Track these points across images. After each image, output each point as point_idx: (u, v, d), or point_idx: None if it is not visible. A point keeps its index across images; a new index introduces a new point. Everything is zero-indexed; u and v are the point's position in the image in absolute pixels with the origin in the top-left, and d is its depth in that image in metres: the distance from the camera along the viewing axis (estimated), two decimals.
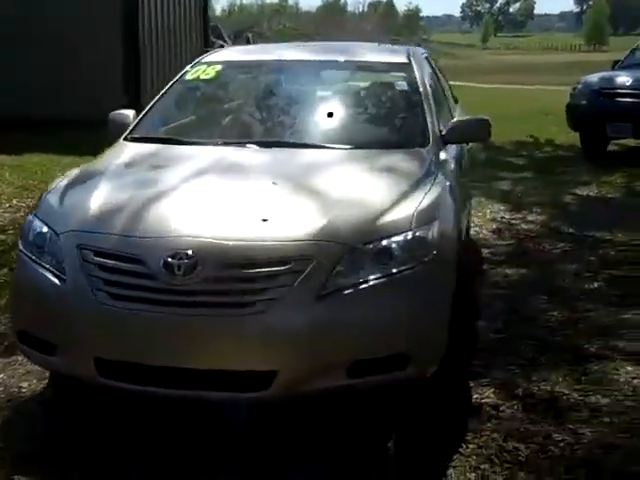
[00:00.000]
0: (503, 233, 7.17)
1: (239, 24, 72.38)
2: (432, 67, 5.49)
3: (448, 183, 4.03)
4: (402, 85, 4.82)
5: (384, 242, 3.39)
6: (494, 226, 7.38)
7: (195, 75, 4.94)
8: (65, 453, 3.43)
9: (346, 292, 3.27)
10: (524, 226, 7.45)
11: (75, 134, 10.88)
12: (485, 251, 6.61)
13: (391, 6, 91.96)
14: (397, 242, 3.41)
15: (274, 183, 3.72)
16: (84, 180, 3.95)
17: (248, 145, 4.25)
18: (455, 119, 4.58)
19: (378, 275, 3.33)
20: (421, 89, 4.65)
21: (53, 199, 3.81)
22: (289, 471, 3.25)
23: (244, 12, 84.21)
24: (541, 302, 5.29)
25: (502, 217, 7.75)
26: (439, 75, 5.58)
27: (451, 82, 6.60)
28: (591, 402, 3.84)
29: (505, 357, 4.38)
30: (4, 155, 10.46)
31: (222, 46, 25.88)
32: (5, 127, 12.15)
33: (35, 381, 4.07)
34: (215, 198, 3.63)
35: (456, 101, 6.44)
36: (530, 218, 7.74)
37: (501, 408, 3.79)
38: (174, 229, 3.36)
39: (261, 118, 4.73)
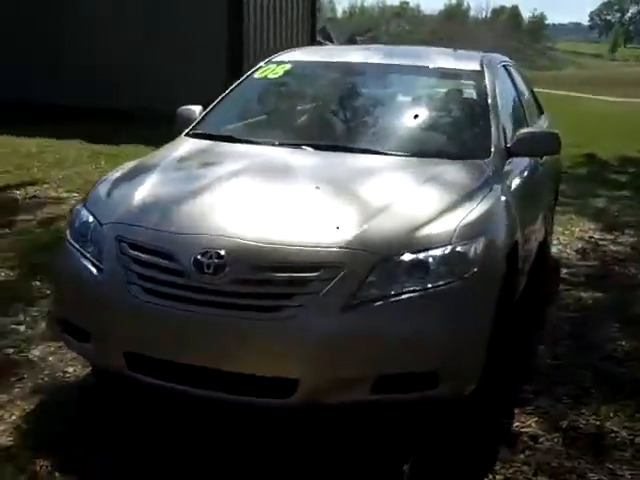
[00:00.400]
0: (588, 253, 6.86)
1: (357, 26, 72.72)
2: (510, 76, 5.29)
3: (504, 198, 3.87)
4: (470, 93, 4.65)
5: (421, 255, 3.26)
6: (580, 245, 7.07)
7: (264, 74, 4.91)
8: (91, 438, 3.46)
9: (376, 304, 3.16)
10: (612, 247, 7.09)
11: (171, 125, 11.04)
12: (564, 271, 6.34)
13: (516, 13, 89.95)
14: (435, 256, 3.27)
15: (317, 187, 3.64)
16: (134, 173, 3.96)
17: (304, 147, 4.17)
18: (523, 131, 4.37)
19: (411, 288, 3.21)
20: (489, 99, 4.48)
21: (102, 190, 3.84)
22: None
23: (365, 14, 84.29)
24: (612, 330, 5.01)
25: (590, 237, 7.41)
26: (519, 84, 5.36)
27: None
28: (639, 442, 3.60)
29: (559, 385, 4.16)
30: (102, 144, 10.79)
31: None
32: (105, 118, 12.54)
33: (80, 367, 4.13)
34: (254, 199, 3.57)
35: (541, 112, 6.21)
36: (621, 240, 7.37)
37: (540, 439, 3.60)
38: (207, 227, 3.33)
39: (321, 120, 4.65)
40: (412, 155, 4.10)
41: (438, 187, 3.74)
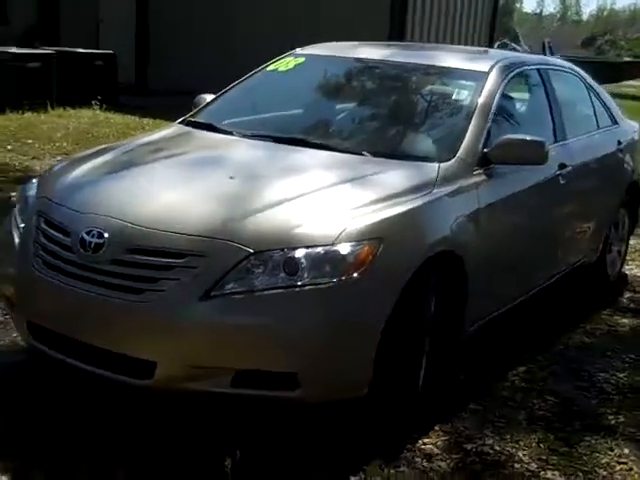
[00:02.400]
0: None
1: (595, 29, 69.70)
2: (545, 82, 4.94)
3: (444, 205, 3.70)
4: (463, 94, 4.42)
5: (294, 253, 3.18)
6: None
7: (276, 66, 4.94)
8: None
9: (236, 297, 3.13)
10: None
11: None
12: (627, 295, 5.87)
13: None
14: (308, 255, 3.17)
15: (231, 178, 3.64)
16: (94, 154, 4.14)
17: (266, 140, 4.17)
18: (504, 137, 4.10)
19: (277, 285, 3.14)
20: (480, 101, 4.24)
21: (56, 167, 4.06)
22: None
23: (612, 17, 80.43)
24: (623, 362, 4.61)
25: None
26: (561, 92, 4.99)
27: None
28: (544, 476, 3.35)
29: (506, 408, 3.91)
30: None
31: (514, 49, 25.22)
32: None
33: None
34: (161, 184, 3.64)
35: (615, 122, 5.77)
36: None
37: (434, 458, 3.41)
38: (99, 207, 3.43)
39: (302, 114, 4.62)
40: (372, 154, 3.96)
41: (357, 187, 3.62)
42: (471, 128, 4.09)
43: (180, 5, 15.35)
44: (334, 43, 5.21)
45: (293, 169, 3.81)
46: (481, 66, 4.54)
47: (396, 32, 13.61)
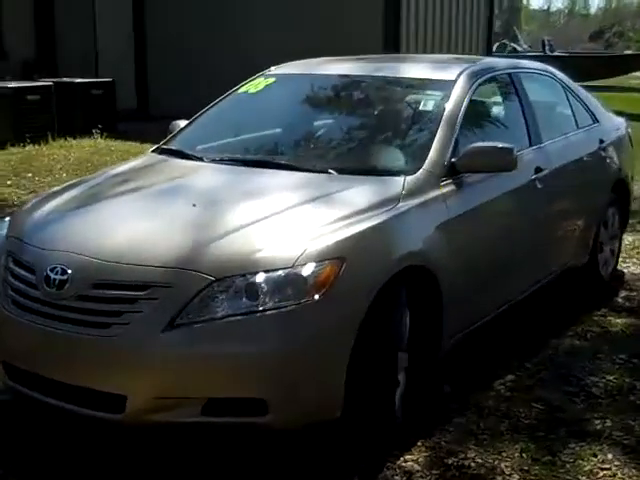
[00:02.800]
0: None
1: (603, 22, 69.11)
2: (516, 87, 4.91)
3: (411, 219, 3.69)
4: (430, 105, 4.40)
5: (255, 277, 3.17)
6: None
7: (247, 88, 4.96)
8: None
9: (199, 325, 3.13)
10: None
11: None
12: (623, 294, 5.80)
13: None
14: (269, 278, 3.17)
15: (194, 205, 3.66)
16: (67, 188, 4.17)
17: (234, 164, 4.17)
18: (471, 145, 4.08)
19: (239, 311, 3.14)
20: (447, 112, 4.22)
21: (31, 202, 4.09)
22: None
23: (620, 9, 79.85)
24: (614, 363, 4.56)
25: None
26: (522, 95, 4.94)
27: None
28: None
29: (491, 418, 3.88)
30: None
31: (514, 49, 25.11)
32: None
33: None
34: (125, 217, 3.66)
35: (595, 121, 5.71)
36: None
37: (414, 476, 3.38)
38: (62, 243, 3.45)
39: (270, 135, 4.62)
40: (338, 172, 3.95)
41: (318, 206, 3.61)
42: (437, 139, 4.07)
43: (177, 32, 15.42)
44: (305, 60, 5.22)
45: (256, 192, 3.81)
46: (448, 75, 4.52)
47: (391, 43, 13.59)
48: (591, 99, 5.91)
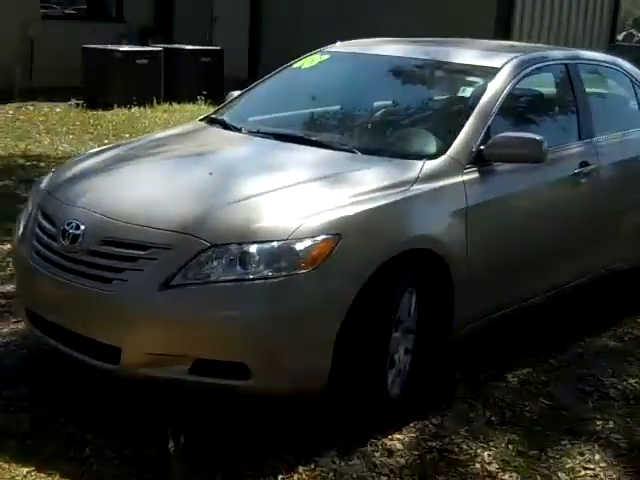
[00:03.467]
0: None
1: None
2: (571, 78, 4.80)
3: (424, 202, 3.72)
4: (467, 91, 4.37)
5: (249, 247, 3.29)
6: None
7: (300, 63, 5.04)
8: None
9: (193, 287, 3.26)
10: None
11: None
12: None
13: None
14: (262, 249, 3.28)
15: (210, 174, 3.79)
16: (106, 149, 4.39)
17: (268, 137, 4.27)
18: (499, 135, 4.04)
19: (231, 277, 3.26)
20: (483, 98, 4.19)
21: (69, 161, 4.33)
22: None
23: None
24: (626, 366, 4.46)
25: None
26: (577, 88, 4.82)
27: None
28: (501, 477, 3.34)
29: (487, 409, 3.88)
30: None
31: None
32: None
33: None
34: (144, 181, 3.83)
35: None
36: None
37: (395, 454, 3.44)
38: (81, 200, 3.65)
39: (311, 111, 4.68)
40: (361, 152, 4.00)
41: (329, 184, 3.67)
42: (467, 126, 4.05)
43: (293, 2, 15.61)
44: (364, 40, 5.25)
45: (275, 166, 3.91)
46: (494, 62, 4.47)
47: (502, 30, 13.33)
48: None
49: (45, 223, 3.74)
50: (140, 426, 3.50)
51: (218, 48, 13.89)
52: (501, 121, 4.23)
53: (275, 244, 3.29)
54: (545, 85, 4.90)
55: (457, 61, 4.63)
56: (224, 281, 3.27)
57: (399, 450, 3.48)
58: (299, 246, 3.30)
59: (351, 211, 3.46)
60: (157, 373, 3.35)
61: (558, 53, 5.12)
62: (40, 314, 3.70)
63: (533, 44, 5.35)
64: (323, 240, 3.33)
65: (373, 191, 3.62)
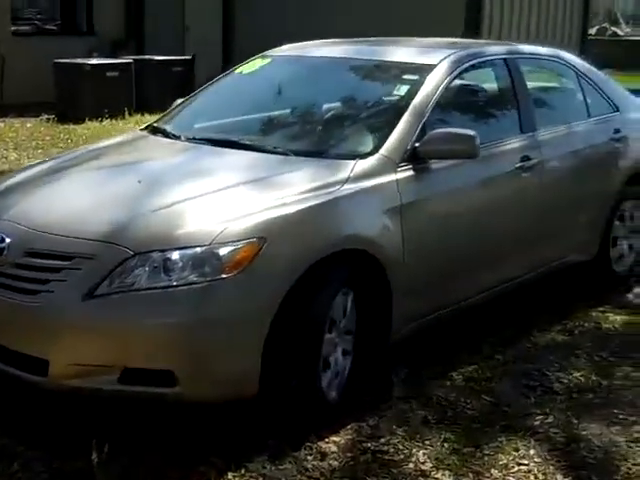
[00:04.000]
0: None
1: None
2: (512, 72, 4.80)
3: (353, 202, 3.71)
4: (402, 89, 4.36)
5: (171, 254, 3.28)
6: None
7: (242, 68, 5.05)
8: None
9: (117, 296, 3.25)
10: None
11: None
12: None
13: None
14: (185, 255, 3.27)
15: (139, 181, 3.79)
16: (41, 161, 4.39)
17: (203, 143, 4.26)
18: (432, 132, 4.04)
19: (154, 285, 3.25)
20: (418, 96, 4.19)
21: (11, 174, 4.33)
22: None
23: None
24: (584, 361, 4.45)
25: None
26: (517, 82, 4.81)
27: None
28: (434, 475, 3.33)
29: (436, 409, 3.86)
30: None
31: (615, 33, 23.89)
32: None
33: None
34: (72, 191, 3.85)
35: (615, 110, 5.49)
36: None
37: (328, 457, 3.42)
38: (8, 213, 3.64)
39: (248, 115, 4.68)
40: (290, 153, 4.00)
41: (257, 187, 3.68)
42: (400, 124, 4.05)
43: (265, 12, 15.59)
44: (309, 42, 5.25)
45: (206, 171, 3.91)
46: (430, 59, 4.48)
47: (472, 29, 13.33)
48: (613, 86, 5.69)
49: None
50: (68, 437, 3.48)
51: (188, 57, 13.89)
52: (437, 118, 4.23)
53: (198, 249, 3.29)
54: (484, 80, 4.91)
55: (394, 59, 4.64)
56: (148, 289, 3.26)
57: (333, 453, 3.46)
58: (222, 251, 3.29)
59: (276, 214, 3.45)
60: (85, 384, 3.34)
61: (498, 48, 5.13)
62: None
63: (475, 40, 5.32)
64: (247, 244, 3.32)
65: (301, 193, 3.61)
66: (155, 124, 4.79)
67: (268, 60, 5.03)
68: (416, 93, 4.22)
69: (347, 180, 3.76)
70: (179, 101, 5.05)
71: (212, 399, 3.40)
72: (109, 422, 3.56)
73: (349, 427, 3.66)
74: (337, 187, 3.71)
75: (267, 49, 5.15)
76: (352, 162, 3.85)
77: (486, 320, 4.82)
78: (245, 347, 3.34)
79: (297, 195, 3.59)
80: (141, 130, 4.78)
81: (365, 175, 3.83)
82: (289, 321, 3.40)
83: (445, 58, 4.47)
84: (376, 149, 3.96)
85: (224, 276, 3.27)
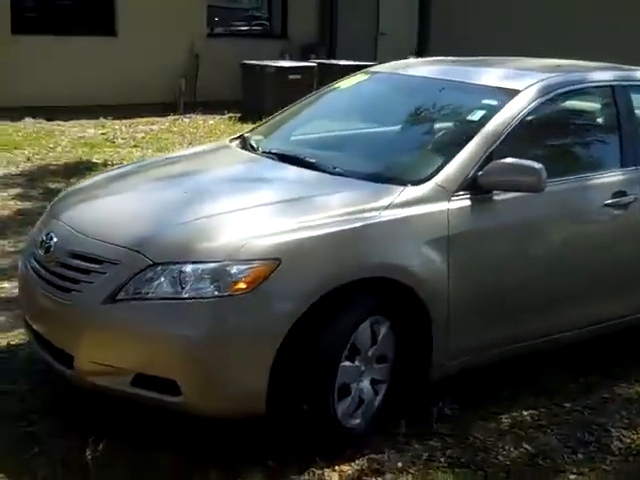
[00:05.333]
0: None
1: None
2: (593, 101, 4.52)
3: (381, 228, 3.59)
4: (476, 115, 4.13)
5: (186, 266, 3.34)
6: None
7: (341, 83, 5.03)
8: None
9: (133, 303, 3.36)
10: None
11: None
12: None
13: None
14: (196, 269, 3.32)
15: (185, 193, 3.89)
16: (122, 165, 4.60)
17: (273, 158, 4.26)
18: (494, 162, 3.82)
19: (167, 296, 3.33)
20: (491, 122, 3.98)
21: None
22: None
23: None
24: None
25: None
26: (622, 112, 4.41)
27: None
28: None
29: (463, 451, 3.69)
30: None
31: None
32: None
33: None
34: (125, 197, 4.01)
35: None
36: None
37: None
38: (63, 214, 3.86)
39: (320, 133, 4.65)
40: (346, 174, 3.93)
41: (292, 206, 3.64)
42: (463, 151, 3.87)
43: (462, 19, 15.38)
44: (409, 60, 5.17)
45: (251, 187, 3.95)
46: (517, 84, 4.23)
47: None
48: None
49: (39, 235, 3.97)
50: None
51: (372, 63, 13.95)
52: (510, 148, 3.97)
53: (211, 265, 3.33)
54: (582, 109, 4.57)
55: (480, 82, 4.43)
56: (160, 298, 3.34)
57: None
58: (234, 269, 3.31)
59: (296, 236, 3.42)
60: (103, 382, 3.47)
61: (606, 74, 4.72)
62: (29, 321, 3.92)
63: (596, 64, 4.88)
64: (260, 264, 3.32)
65: (332, 216, 3.55)
66: (245, 134, 4.88)
67: (366, 76, 4.98)
68: (489, 120, 4.01)
69: (388, 206, 3.64)
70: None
71: (217, 414, 3.42)
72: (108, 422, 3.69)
73: (363, 458, 3.56)
74: (375, 213, 3.60)
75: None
76: (400, 188, 3.73)
77: (571, 362, 4.51)
78: (251, 367, 3.33)
79: (326, 218, 3.52)
80: (231, 140, 4.88)
81: (411, 202, 3.69)
82: (300, 346, 3.36)
83: (534, 84, 4.21)
84: (431, 176, 3.81)
85: (233, 294, 3.29)
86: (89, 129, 11.46)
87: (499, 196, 3.88)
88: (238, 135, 4.95)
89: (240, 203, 3.69)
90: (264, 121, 5.02)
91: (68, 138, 10.59)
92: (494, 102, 4.19)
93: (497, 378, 4.27)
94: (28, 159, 9.14)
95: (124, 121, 12.09)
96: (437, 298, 3.68)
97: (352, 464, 3.52)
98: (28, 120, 11.56)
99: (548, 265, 4.05)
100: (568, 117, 4.57)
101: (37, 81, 12.42)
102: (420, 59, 5.17)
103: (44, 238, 3.76)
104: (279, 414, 3.44)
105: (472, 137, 3.95)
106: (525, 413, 4.04)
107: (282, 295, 3.34)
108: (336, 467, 3.48)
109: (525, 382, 4.32)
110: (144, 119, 12.35)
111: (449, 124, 4.37)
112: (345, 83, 5.01)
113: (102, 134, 11.11)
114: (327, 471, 3.45)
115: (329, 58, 14.88)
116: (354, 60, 14.02)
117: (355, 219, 3.56)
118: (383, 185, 3.80)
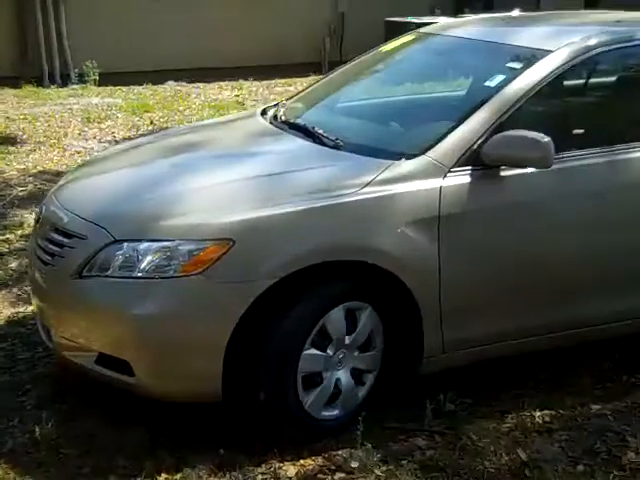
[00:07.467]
0: None
1: None
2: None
3: (355, 206, 3.31)
4: (494, 80, 3.67)
5: (142, 244, 3.23)
6: None
7: (385, 46, 4.71)
8: None
9: (94, 280, 3.29)
10: None
11: None
12: None
13: None
14: (151, 248, 3.21)
15: (173, 167, 3.80)
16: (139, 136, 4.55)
17: (284, 127, 4.03)
18: (498, 134, 3.40)
19: (122, 274, 3.24)
20: (502, 90, 3.56)
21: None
22: None
23: None
24: None
25: None
26: None
27: None
28: None
29: (444, 453, 3.40)
30: None
31: None
32: None
33: None
34: (119, 172, 3.94)
35: None
36: None
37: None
38: (59, 189, 3.87)
39: (342, 101, 4.33)
40: (342, 145, 3.64)
41: (267, 183, 3.42)
42: (466, 122, 3.49)
43: None
44: (465, 19, 4.74)
45: (241, 160, 3.76)
46: (551, 44, 3.74)
47: None
48: None
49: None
50: None
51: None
52: (527, 118, 3.56)
53: (164, 244, 3.21)
54: (628, 72, 3.99)
55: (515, 43, 3.97)
56: (117, 277, 3.26)
57: (289, 477, 3.21)
58: (185, 248, 3.18)
59: (254, 214, 3.22)
60: (74, 359, 3.47)
61: None
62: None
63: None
64: (212, 244, 3.17)
65: (303, 194, 3.32)
66: (283, 101, 4.68)
67: (412, 37, 4.62)
68: (505, 86, 3.59)
69: (369, 183, 3.35)
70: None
71: (171, 396, 3.32)
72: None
73: (331, 452, 3.34)
74: (351, 190, 3.33)
75: None
76: (387, 163, 3.43)
77: (609, 361, 4.05)
78: (204, 348, 3.19)
79: (295, 196, 3.30)
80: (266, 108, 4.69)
81: (397, 179, 3.38)
82: (256, 332, 3.19)
83: (569, 43, 3.72)
84: (426, 150, 3.47)
85: (185, 274, 3.16)
86: (226, 91, 11.59)
87: (505, 172, 3.48)
88: (272, 104, 4.76)
89: (216, 179, 3.54)
90: (300, 91, 4.77)
91: (200, 100, 10.75)
92: (518, 65, 3.74)
93: (518, 373, 3.89)
94: (152, 122, 9.34)
95: (264, 82, 12.12)
96: (426, 285, 3.37)
97: (316, 458, 3.32)
98: (170, 83, 11.85)
99: (562, 253, 3.61)
100: (608, 82, 4.01)
101: (179, 44, 12.62)
102: (472, 17, 4.71)
103: (39, 211, 3.79)
104: (237, 401, 3.29)
105: (478, 106, 3.55)
106: (537, 414, 3.65)
107: (235, 277, 3.17)
108: (295, 461, 3.29)
109: (553, 379, 3.92)
110: (283, 80, 12.33)
111: (463, 91, 3.98)
112: (389, 45, 4.67)
113: (236, 96, 11.19)
114: (286, 464, 3.28)
115: (486, 9, 14.15)
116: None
117: (327, 197, 3.31)
118: (371, 159, 3.50)
